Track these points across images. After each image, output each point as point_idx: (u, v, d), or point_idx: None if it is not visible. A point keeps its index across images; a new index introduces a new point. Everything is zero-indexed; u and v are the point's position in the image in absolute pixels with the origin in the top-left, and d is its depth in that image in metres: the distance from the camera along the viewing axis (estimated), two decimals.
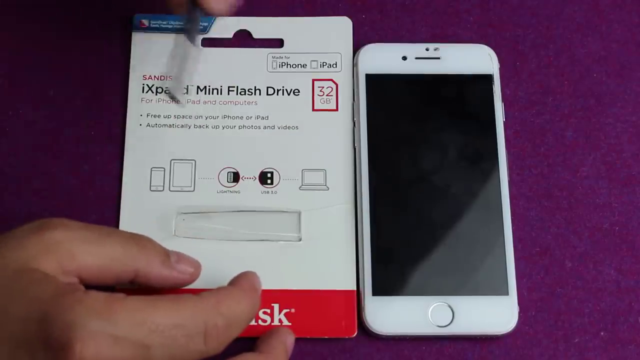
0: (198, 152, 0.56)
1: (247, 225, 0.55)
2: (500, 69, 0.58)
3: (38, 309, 0.42)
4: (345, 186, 0.56)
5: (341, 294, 0.53)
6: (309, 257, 0.54)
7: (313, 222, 0.55)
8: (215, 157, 0.56)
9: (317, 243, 0.54)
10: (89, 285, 0.45)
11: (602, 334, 0.53)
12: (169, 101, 0.55)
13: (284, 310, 0.53)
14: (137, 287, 0.49)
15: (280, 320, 0.53)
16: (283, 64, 0.58)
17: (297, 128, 0.57)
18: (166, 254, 0.48)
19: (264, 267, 0.52)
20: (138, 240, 0.47)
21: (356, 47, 0.58)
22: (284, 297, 0.53)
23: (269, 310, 0.53)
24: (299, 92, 0.58)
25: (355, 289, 0.53)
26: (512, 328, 0.52)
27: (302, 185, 0.56)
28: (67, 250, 0.44)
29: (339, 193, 0.56)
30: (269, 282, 0.52)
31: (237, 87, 0.58)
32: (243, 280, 0.48)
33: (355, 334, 0.53)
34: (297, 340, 0.52)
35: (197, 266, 0.50)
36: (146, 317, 0.42)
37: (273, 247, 0.54)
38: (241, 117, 0.57)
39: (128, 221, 0.55)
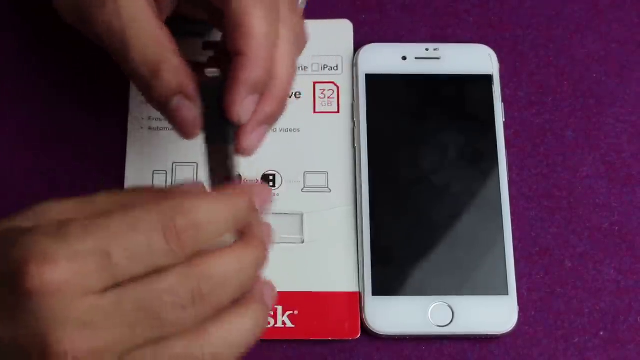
0: (200, 156, 0.56)
1: None
2: (500, 69, 0.58)
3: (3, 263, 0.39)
4: (347, 188, 0.56)
5: (344, 295, 0.53)
6: (311, 259, 0.54)
7: (315, 224, 0.55)
8: None
9: (320, 245, 0.54)
10: None
11: (602, 334, 0.53)
12: None
13: (287, 313, 0.53)
14: None
15: (283, 322, 0.53)
16: None
17: (299, 130, 0.57)
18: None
19: (267, 269, 0.52)
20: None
21: (356, 48, 0.58)
22: (287, 299, 0.53)
23: (272, 312, 0.53)
24: (300, 94, 0.58)
25: (358, 290, 0.53)
26: (512, 328, 0.52)
27: (305, 187, 0.56)
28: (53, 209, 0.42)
29: (341, 195, 0.56)
30: None
31: None
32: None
33: (359, 335, 0.53)
34: (299, 341, 0.52)
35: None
36: (99, 224, 0.39)
37: (276, 250, 0.54)
38: None
39: None
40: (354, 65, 0.58)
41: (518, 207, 0.56)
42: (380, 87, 0.57)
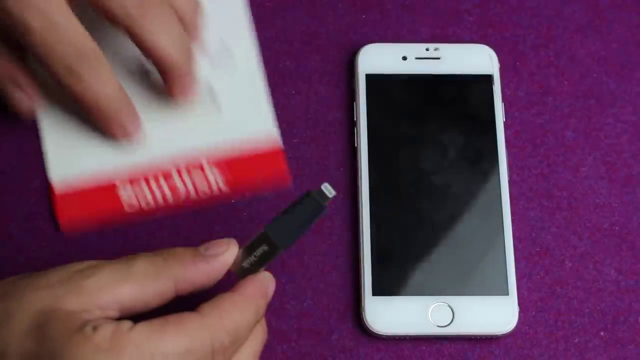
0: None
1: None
2: (500, 69, 0.58)
3: (48, 348, 0.41)
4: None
5: (267, 153, 0.56)
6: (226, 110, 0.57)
7: (224, 94, 0.57)
8: None
9: (229, 94, 0.57)
10: (137, 314, 0.44)
11: (602, 334, 0.53)
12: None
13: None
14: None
15: (219, 189, 0.55)
16: None
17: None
18: (194, 249, 0.46)
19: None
20: (162, 252, 0.46)
21: (356, 47, 0.58)
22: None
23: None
24: None
25: (278, 140, 0.56)
26: (512, 328, 0.52)
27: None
28: (97, 286, 0.43)
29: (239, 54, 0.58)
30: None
31: None
32: (249, 286, 0.46)
33: (290, 184, 0.55)
34: (296, 338, 0.52)
35: (227, 242, 0.47)
36: (154, 349, 0.41)
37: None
38: None
39: None
40: (354, 65, 0.58)
41: (518, 207, 0.56)
42: (380, 87, 0.57)
